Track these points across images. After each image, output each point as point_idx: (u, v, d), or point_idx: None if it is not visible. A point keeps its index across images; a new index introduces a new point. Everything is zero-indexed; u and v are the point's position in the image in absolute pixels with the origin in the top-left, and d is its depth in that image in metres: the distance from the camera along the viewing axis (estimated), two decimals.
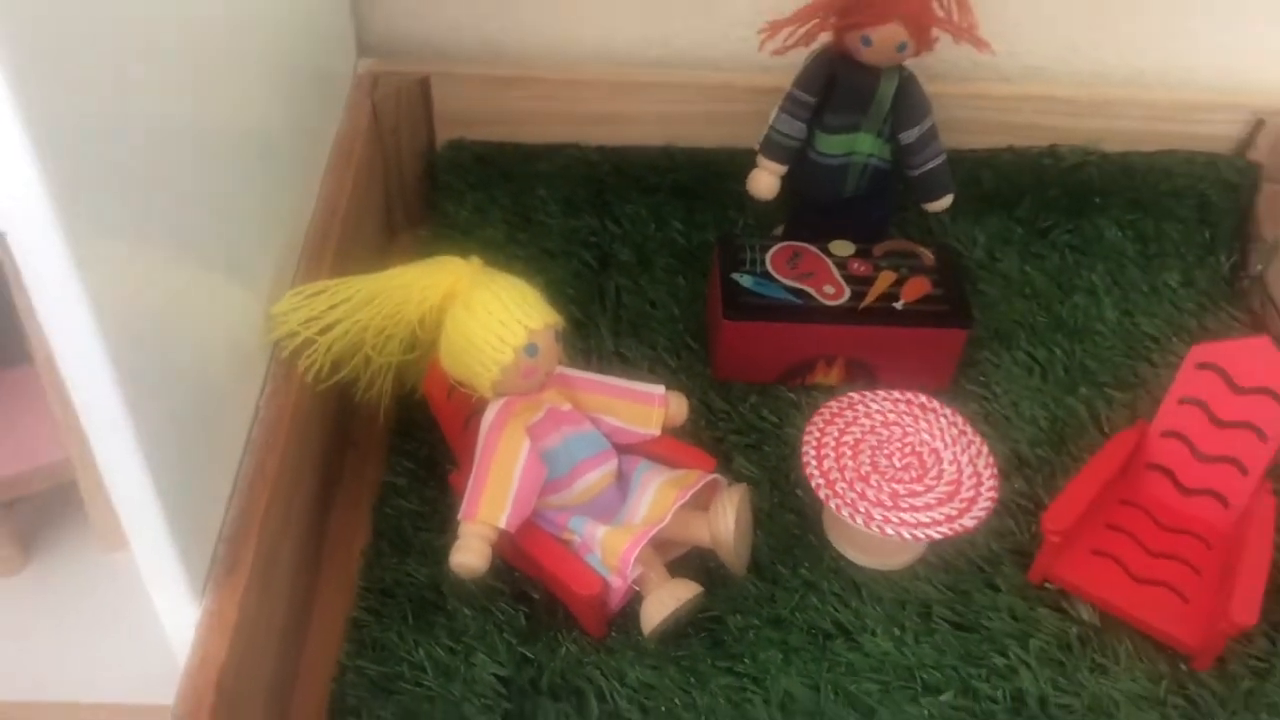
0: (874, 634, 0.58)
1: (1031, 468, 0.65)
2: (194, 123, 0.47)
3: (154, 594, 0.48)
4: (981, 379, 0.69)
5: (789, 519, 0.62)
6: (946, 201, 0.69)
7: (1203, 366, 0.61)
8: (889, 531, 0.56)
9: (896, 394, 0.62)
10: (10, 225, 0.35)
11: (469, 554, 0.53)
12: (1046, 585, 0.60)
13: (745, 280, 0.67)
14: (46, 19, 0.34)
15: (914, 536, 0.56)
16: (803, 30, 0.64)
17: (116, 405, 0.41)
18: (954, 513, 0.57)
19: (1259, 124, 0.75)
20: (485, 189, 0.76)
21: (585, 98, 0.75)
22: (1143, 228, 0.77)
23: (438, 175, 0.76)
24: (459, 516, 0.54)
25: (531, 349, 0.54)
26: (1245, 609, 0.55)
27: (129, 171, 0.40)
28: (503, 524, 0.53)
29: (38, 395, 0.55)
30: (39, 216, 0.35)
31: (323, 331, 0.55)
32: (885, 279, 0.68)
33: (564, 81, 0.75)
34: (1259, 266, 0.77)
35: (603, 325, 0.70)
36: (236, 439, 0.53)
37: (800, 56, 0.66)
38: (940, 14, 0.63)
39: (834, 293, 0.67)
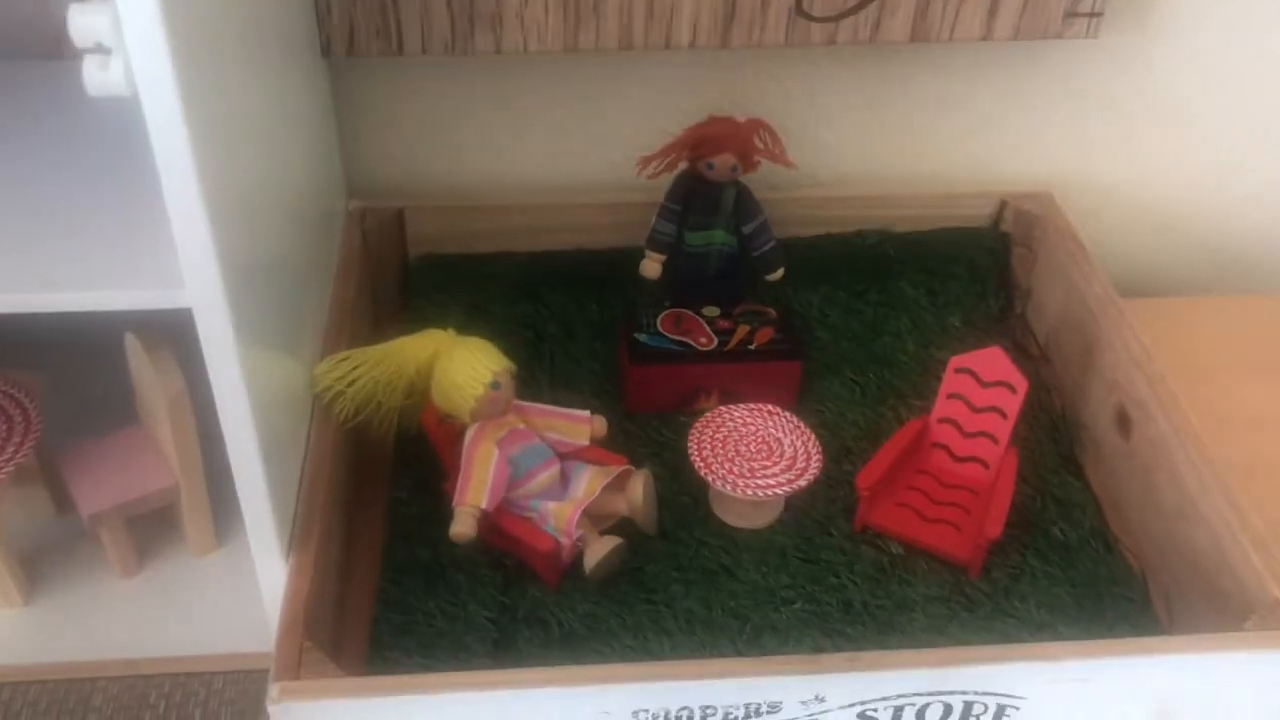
0: (747, 570, 0.82)
1: (854, 455, 0.90)
2: (270, 250, 0.72)
3: (257, 558, 0.71)
4: (817, 397, 0.95)
5: (684, 500, 0.86)
6: (780, 274, 0.96)
7: (959, 371, 0.87)
8: (749, 492, 0.81)
9: (752, 405, 0.88)
10: (195, 304, 0.60)
11: (462, 525, 0.77)
12: (866, 530, 0.85)
13: (643, 338, 0.93)
14: (223, 183, 0.59)
15: (767, 494, 0.81)
16: (666, 161, 0.92)
17: (251, 438, 0.65)
18: (793, 477, 0.82)
19: (1004, 204, 1.04)
20: (447, 289, 1.01)
21: (517, 219, 1.01)
22: (931, 285, 1.04)
23: (412, 280, 1.02)
24: (453, 504, 0.78)
25: (495, 384, 0.79)
26: (994, 526, 0.80)
27: (256, 281, 0.65)
28: (484, 504, 0.77)
29: (146, 445, 0.79)
30: (216, 301, 0.60)
31: (348, 386, 0.80)
32: (742, 330, 0.94)
33: (501, 208, 1.01)
34: (1018, 308, 1.05)
35: (542, 380, 0.95)
36: (298, 460, 0.77)
37: (667, 179, 0.94)
38: (760, 145, 0.91)
39: (706, 342, 0.93)
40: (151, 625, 0.78)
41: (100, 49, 0.52)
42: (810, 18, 0.90)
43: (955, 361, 0.87)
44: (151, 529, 0.82)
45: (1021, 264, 1.05)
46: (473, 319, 0.99)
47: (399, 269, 1.02)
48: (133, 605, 0.79)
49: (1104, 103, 1.03)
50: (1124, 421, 0.88)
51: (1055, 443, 0.93)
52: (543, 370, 0.96)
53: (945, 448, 0.89)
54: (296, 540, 0.72)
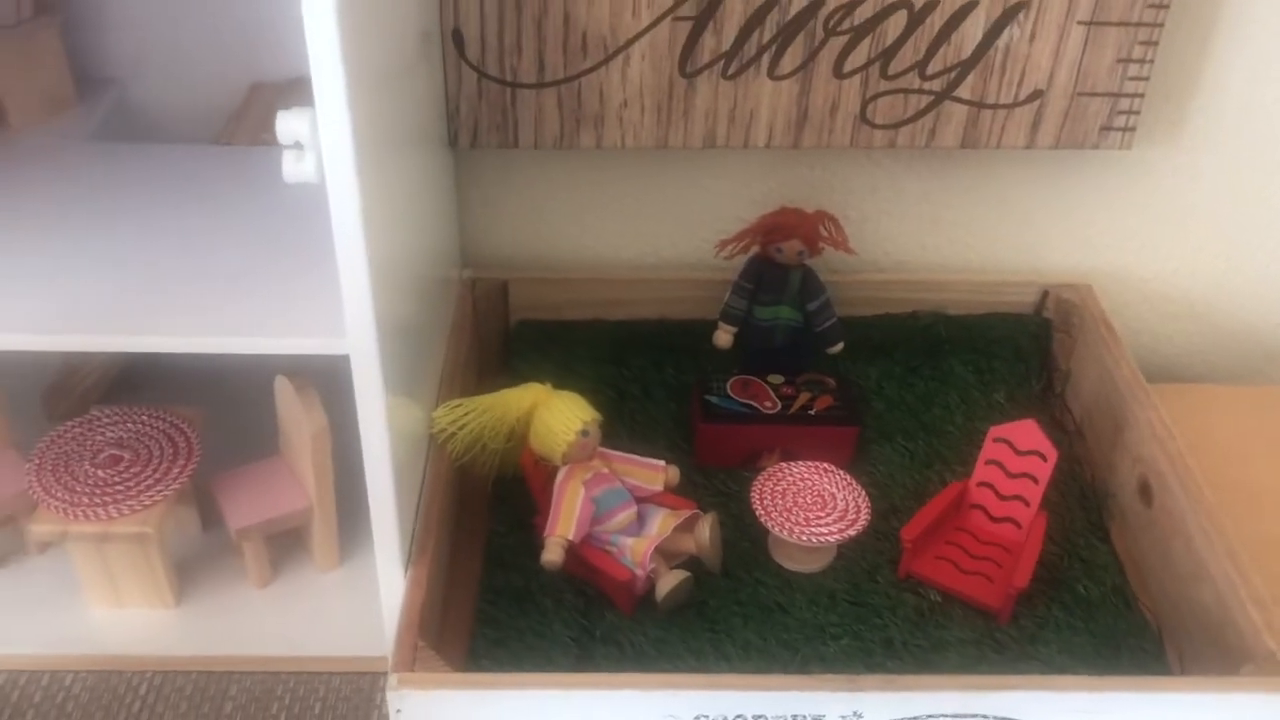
0: (799, 608, 0.92)
1: (901, 513, 1.00)
2: (407, 310, 0.85)
3: (381, 571, 0.83)
4: (870, 460, 1.06)
5: (745, 544, 0.97)
6: (839, 347, 1.08)
7: (997, 440, 0.98)
8: (804, 538, 0.92)
9: (809, 463, 0.99)
10: (353, 351, 0.73)
11: (552, 553, 0.89)
12: (909, 578, 0.95)
13: (714, 399, 1.05)
14: (380, 252, 0.73)
15: (820, 541, 0.92)
16: (741, 244, 1.04)
17: (386, 468, 0.78)
18: (844, 527, 0.93)
19: (1046, 293, 1.15)
20: (543, 351, 1.13)
21: (606, 291, 1.14)
22: (979, 364, 1.14)
23: (512, 342, 1.15)
24: (544, 535, 0.90)
25: (585, 432, 0.91)
26: (1021, 577, 0.90)
27: (396, 335, 0.79)
28: (571, 536, 0.89)
29: (286, 473, 0.92)
30: (370, 350, 0.73)
31: (460, 429, 0.93)
32: (804, 397, 1.05)
33: (592, 280, 1.14)
34: (1057, 388, 1.15)
35: (623, 433, 1.07)
36: (415, 490, 0.89)
37: (740, 260, 1.06)
38: (825, 234, 1.04)
39: (771, 406, 1.05)
40: (281, 629, 0.91)
41: (297, 145, 0.66)
42: (873, 125, 1.03)
43: (994, 431, 0.97)
44: (283, 547, 0.95)
45: (1061, 348, 1.15)
46: (564, 378, 1.10)
47: (502, 332, 1.15)
48: (265, 611, 0.92)
49: (1138, 205, 1.14)
50: (1146, 492, 0.97)
51: (1085, 510, 1.02)
52: (623, 425, 1.08)
53: (983, 508, 0.99)
54: (414, 557, 0.85)
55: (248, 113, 0.98)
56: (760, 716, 0.77)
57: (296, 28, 0.96)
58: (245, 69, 1.01)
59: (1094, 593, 0.94)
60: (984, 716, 0.78)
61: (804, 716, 0.77)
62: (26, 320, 0.75)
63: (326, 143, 0.65)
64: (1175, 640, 0.90)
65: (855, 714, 0.77)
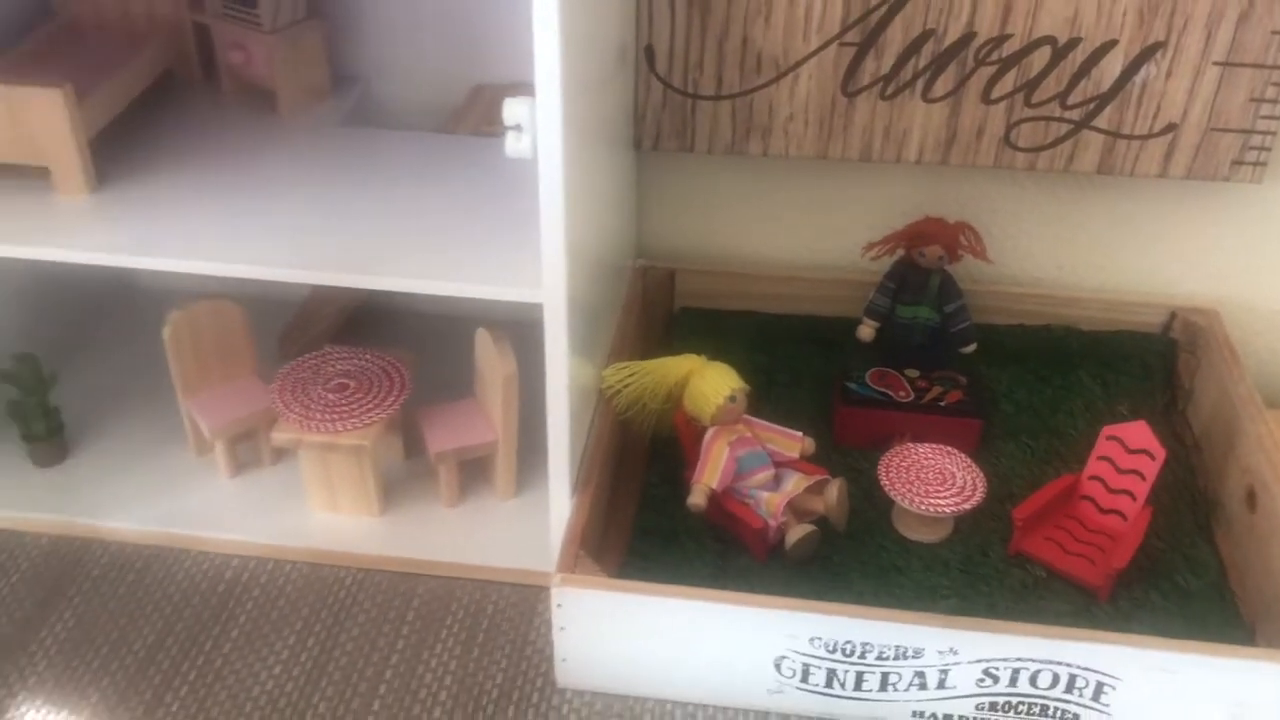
0: (914, 570, 1.03)
1: (1017, 499, 1.09)
2: (590, 280, 1.00)
3: (553, 495, 0.98)
4: (994, 454, 1.14)
5: (871, 514, 1.09)
6: (972, 348, 1.18)
7: (1110, 438, 1.06)
8: (923, 508, 1.03)
9: (934, 445, 1.10)
10: (546, 300, 0.88)
11: (698, 497, 1.02)
12: (1018, 555, 1.05)
13: (853, 386, 1.17)
14: (574, 221, 0.88)
15: (938, 512, 1.03)
16: (887, 248, 1.16)
17: (564, 408, 0.93)
18: (960, 501, 1.03)
19: (1173, 315, 1.23)
20: (701, 336, 1.26)
21: (762, 285, 1.28)
22: (1105, 377, 1.23)
23: (675, 326, 1.29)
24: (691, 482, 1.04)
25: (733, 398, 1.04)
26: (1120, 559, 0.99)
27: (580, 296, 0.93)
28: (715, 485, 1.02)
29: (478, 411, 1.08)
30: (559, 302, 0.88)
31: (625, 387, 1.07)
32: (936, 390, 1.16)
33: (751, 275, 1.28)
34: (1180, 405, 1.22)
35: (768, 415, 1.20)
36: (583, 435, 1.04)
37: (885, 262, 1.18)
38: (964, 243, 1.15)
39: (905, 396, 1.16)
40: (463, 543, 1.07)
41: (518, 127, 0.82)
42: (1016, 148, 1.14)
43: (1107, 430, 1.06)
44: (469, 475, 1.11)
45: (1185, 368, 1.22)
46: (719, 361, 1.25)
47: (666, 316, 1.30)
48: (452, 527, 1.08)
49: (1267, 235, 1.21)
50: (1251, 498, 1.05)
51: (1193, 513, 1.10)
52: (770, 408, 1.20)
53: (1092, 500, 1.08)
54: (579, 487, 0.99)
55: (470, 109, 1.15)
56: (867, 644, 0.89)
57: (515, 39, 1.14)
58: (469, 72, 1.18)
59: (1192, 585, 1.02)
60: (1069, 664, 0.87)
61: (906, 649, 0.89)
62: (287, 259, 0.92)
63: (542, 126, 0.80)
64: (1266, 635, 0.97)
65: (952, 650, 0.88)
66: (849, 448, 1.16)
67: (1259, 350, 1.24)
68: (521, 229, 0.95)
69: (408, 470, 1.13)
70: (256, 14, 1.07)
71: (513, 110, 0.81)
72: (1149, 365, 1.24)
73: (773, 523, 1.03)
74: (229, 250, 0.93)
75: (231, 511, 1.09)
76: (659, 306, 1.29)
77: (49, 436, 1.12)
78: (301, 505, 1.09)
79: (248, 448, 1.13)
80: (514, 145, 0.82)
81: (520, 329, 1.04)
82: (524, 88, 1.16)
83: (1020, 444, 1.17)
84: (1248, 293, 1.24)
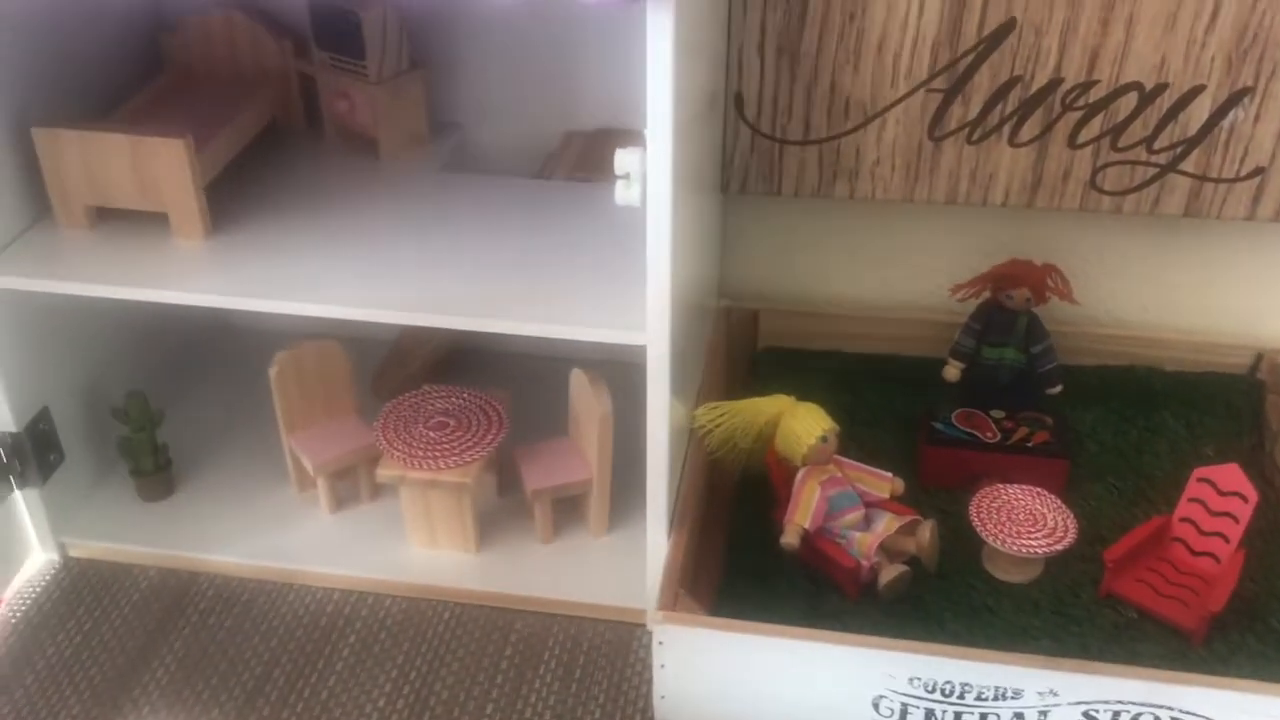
0: (1005, 611, 1.04)
1: (1107, 541, 1.10)
2: (684, 322, 1.03)
3: (650, 534, 1.00)
4: (1081, 495, 1.15)
5: (960, 554, 1.09)
6: (1059, 389, 1.19)
7: (1201, 480, 1.07)
8: (1014, 548, 1.04)
9: (1023, 486, 1.10)
10: (650, 343, 0.90)
11: (791, 537, 1.03)
12: (1110, 596, 1.05)
13: (940, 426, 1.18)
14: (676, 266, 0.90)
15: (1029, 553, 1.03)
16: (974, 290, 1.18)
17: (663, 448, 0.95)
18: (1052, 542, 1.04)
19: (1260, 357, 1.23)
20: (784, 375, 1.28)
21: (846, 325, 1.29)
22: (1190, 418, 1.23)
23: (758, 365, 1.31)
24: (784, 522, 1.05)
25: (824, 438, 1.06)
26: (1217, 602, 0.99)
27: (677, 339, 0.96)
28: (807, 524, 1.04)
29: (573, 449, 1.10)
30: (662, 344, 0.90)
31: (716, 426, 1.09)
32: (1022, 431, 1.17)
33: (834, 316, 1.29)
34: (1267, 447, 1.22)
35: (853, 456, 1.21)
36: (677, 472, 1.06)
37: (971, 304, 1.19)
38: (1051, 285, 1.16)
39: (991, 436, 1.17)
40: (558, 579, 1.09)
41: (627, 177, 0.84)
42: (1101, 191, 1.15)
43: (1198, 472, 1.07)
44: (562, 512, 1.13)
45: (1274, 409, 1.22)
46: (802, 400, 1.27)
47: (749, 356, 1.32)
48: (547, 563, 1.10)
49: None
50: None
51: None
52: (854, 447, 1.21)
53: (1184, 542, 1.08)
54: (675, 525, 1.01)
55: (563, 155, 1.19)
56: (967, 684, 0.90)
57: (604, 88, 1.17)
58: (560, 119, 1.21)
59: None
60: (1169, 708, 0.88)
61: (1005, 689, 0.89)
62: (396, 302, 0.96)
63: (652, 176, 0.83)
64: None
65: (1052, 691, 0.89)
66: (935, 488, 1.17)
67: None
68: (621, 272, 0.97)
69: (502, 507, 1.15)
70: (364, 65, 1.11)
71: (623, 161, 0.83)
72: (1235, 407, 1.24)
73: (865, 563, 1.04)
74: (342, 293, 0.96)
75: (333, 546, 1.12)
76: (742, 346, 1.31)
77: (156, 472, 1.15)
78: (400, 541, 1.12)
79: (347, 484, 1.16)
80: (623, 194, 0.85)
81: (608, 368, 1.06)
82: (613, 134, 1.19)
83: (1107, 485, 1.17)
84: None
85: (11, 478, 1.08)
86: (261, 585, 1.10)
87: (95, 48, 1.12)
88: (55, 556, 1.13)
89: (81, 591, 1.10)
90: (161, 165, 0.99)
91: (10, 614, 1.07)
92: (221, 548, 1.12)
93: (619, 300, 0.94)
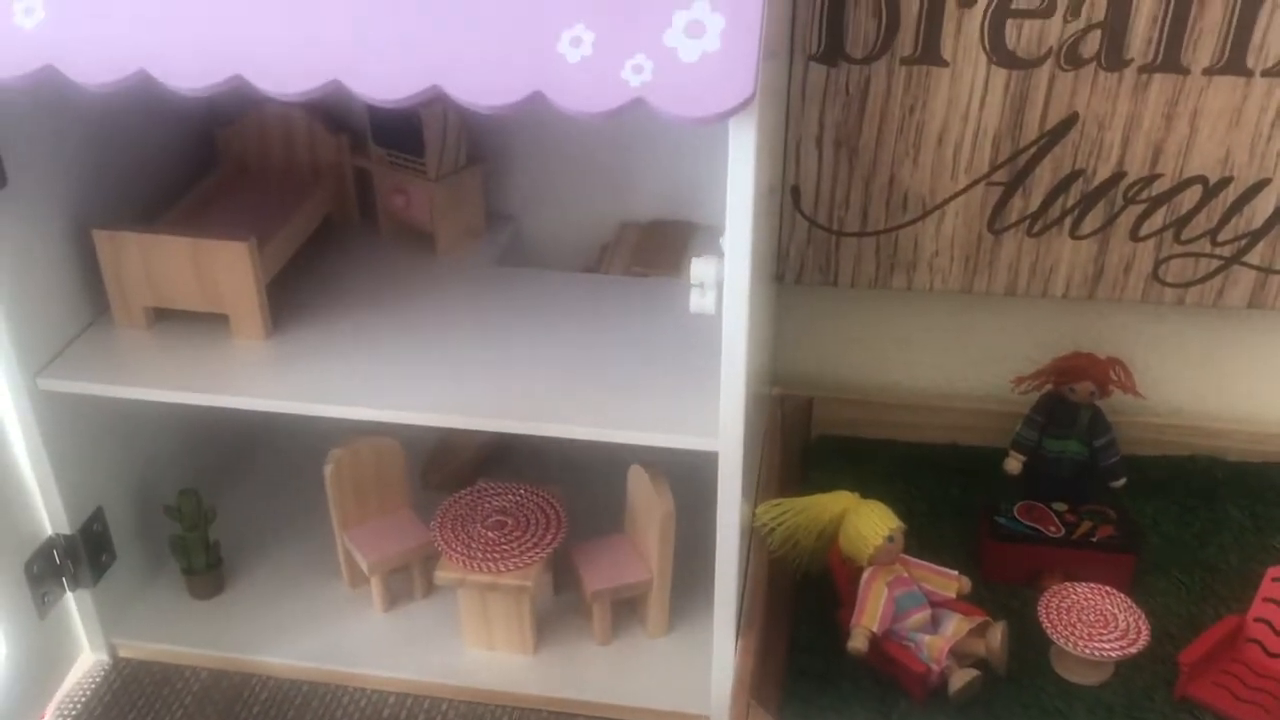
0: (1078, 715, 1.01)
1: (1176, 640, 1.07)
2: (750, 419, 1.01)
3: (717, 637, 0.98)
4: (1146, 590, 1.13)
5: (1029, 655, 1.07)
6: (1122, 482, 1.17)
7: (1277, 579, 1.05)
8: (1087, 651, 1.01)
9: (1093, 585, 1.08)
10: (722, 449, 0.89)
11: (859, 641, 1.01)
12: (1185, 700, 1.03)
13: (1002, 520, 1.16)
14: (748, 370, 0.89)
15: (1101, 655, 1.01)
16: (1037, 382, 1.16)
17: (733, 550, 0.94)
18: (1125, 645, 1.02)
19: None
20: (838, 464, 1.27)
21: (902, 415, 1.28)
22: (1255, 509, 1.21)
23: (811, 455, 1.30)
24: (851, 625, 1.03)
25: (891, 538, 1.04)
26: None
27: (745, 438, 0.94)
28: (875, 628, 1.02)
29: (630, 548, 1.09)
30: (734, 448, 0.89)
31: (778, 525, 1.07)
32: (1086, 525, 1.15)
33: (890, 405, 1.28)
34: None
35: (909, 548, 1.20)
36: (741, 570, 1.04)
37: (1032, 396, 1.18)
38: (1114, 378, 1.14)
39: (1055, 530, 1.15)
40: (618, 682, 1.06)
41: (703, 285, 0.83)
42: (1164, 283, 1.14)
43: (1273, 571, 1.04)
44: (619, 613, 1.11)
45: None
46: (857, 491, 1.25)
47: (803, 444, 1.30)
48: (605, 666, 1.08)
49: None
50: None
51: None
52: (911, 539, 1.19)
53: (1259, 643, 1.05)
54: (743, 629, 0.99)
55: (618, 247, 1.18)
56: None
57: (657, 179, 1.16)
58: (614, 210, 1.21)
59: None
60: None
61: None
62: (456, 407, 0.94)
63: (729, 283, 0.82)
64: None
65: None
66: (997, 583, 1.14)
67: None
68: (686, 372, 0.97)
69: (557, 605, 1.13)
70: (422, 162, 1.10)
71: (699, 270, 0.83)
72: None
73: (935, 667, 1.02)
74: (403, 398, 0.95)
75: (387, 647, 1.10)
76: (796, 434, 1.30)
77: (208, 570, 1.14)
78: (455, 640, 1.10)
79: (400, 580, 1.14)
80: (698, 302, 0.84)
81: (664, 462, 1.05)
82: (667, 225, 1.19)
83: (1172, 580, 1.15)
84: None
85: (64, 579, 1.06)
86: (315, 687, 1.08)
87: (152, 144, 1.12)
88: (105, 657, 1.11)
89: (133, 694, 1.08)
90: (223, 267, 0.98)
91: (64, 714, 1.05)
92: (274, 648, 1.10)
93: (687, 403, 0.93)
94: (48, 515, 1.03)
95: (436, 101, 0.77)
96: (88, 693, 1.08)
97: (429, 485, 1.26)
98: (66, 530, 1.04)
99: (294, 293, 1.08)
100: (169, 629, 1.12)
